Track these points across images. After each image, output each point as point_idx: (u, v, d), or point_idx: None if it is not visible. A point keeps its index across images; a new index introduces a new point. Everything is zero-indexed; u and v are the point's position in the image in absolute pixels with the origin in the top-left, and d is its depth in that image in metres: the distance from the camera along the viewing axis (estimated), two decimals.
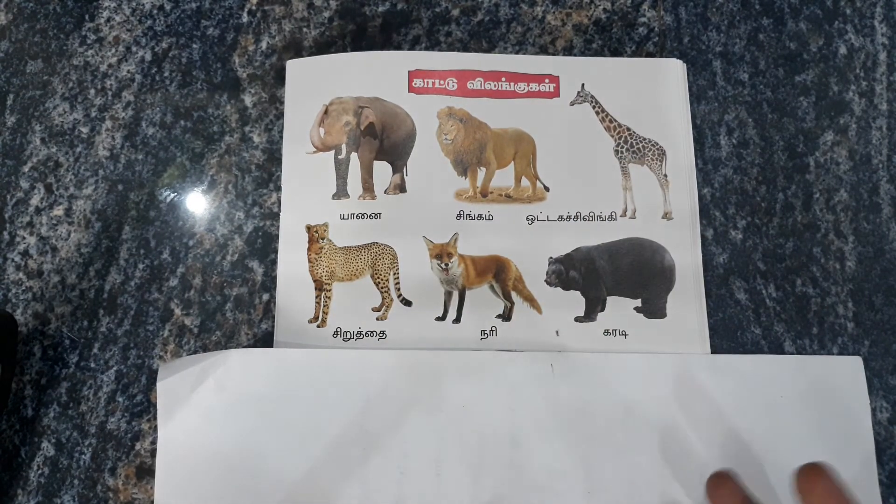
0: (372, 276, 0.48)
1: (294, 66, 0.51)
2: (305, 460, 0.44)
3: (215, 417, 0.45)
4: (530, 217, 0.49)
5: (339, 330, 0.47)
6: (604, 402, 0.45)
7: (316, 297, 0.48)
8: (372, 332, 0.47)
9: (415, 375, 0.46)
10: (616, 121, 0.50)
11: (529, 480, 0.44)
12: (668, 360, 0.46)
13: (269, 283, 0.48)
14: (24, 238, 0.49)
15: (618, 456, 0.45)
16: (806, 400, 0.46)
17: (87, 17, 0.52)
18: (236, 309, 0.48)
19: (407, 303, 0.48)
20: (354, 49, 0.52)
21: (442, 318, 0.48)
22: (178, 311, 0.48)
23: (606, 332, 0.48)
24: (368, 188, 0.49)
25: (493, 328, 0.48)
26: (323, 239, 0.48)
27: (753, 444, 0.45)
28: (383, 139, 0.50)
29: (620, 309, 0.48)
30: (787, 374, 0.46)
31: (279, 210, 0.49)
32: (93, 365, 0.47)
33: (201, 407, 0.45)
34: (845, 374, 0.46)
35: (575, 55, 0.52)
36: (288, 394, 0.45)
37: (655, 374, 0.46)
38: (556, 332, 0.47)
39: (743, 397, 0.46)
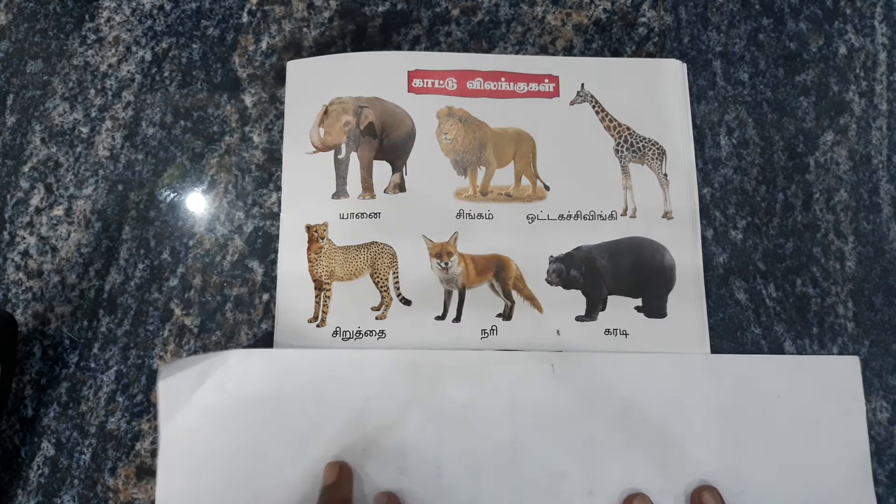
0: (371, 276, 0.48)
1: (294, 67, 0.51)
2: (305, 460, 0.44)
3: (216, 418, 0.45)
4: (530, 216, 0.49)
5: (338, 329, 0.47)
6: (604, 402, 0.45)
7: (315, 297, 0.48)
8: (371, 331, 0.47)
9: (415, 375, 0.46)
10: (616, 120, 0.50)
11: (529, 480, 0.44)
12: (668, 360, 0.46)
13: (269, 282, 0.48)
14: (24, 238, 0.49)
15: (618, 456, 0.45)
16: (802, 399, 0.46)
17: (87, 17, 0.52)
18: (236, 309, 0.48)
19: (406, 302, 0.48)
20: (354, 49, 0.52)
21: (442, 318, 0.48)
22: (178, 311, 0.48)
23: (607, 331, 0.48)
24: (368, 188, 0.49)
25: (494, 327, 0.48)
26: (322, 238, 0.48)
27: (751, 444, 0.45)
28: (383, 139, 0.50)
29: (621, 308, 0.48)
30: (784, 373, 0.46)
31: (279, 210, 0.49)
32: (93, 365, 0.47)
33: (202, 407, 0.45)
34: (842, 373, 0.47)
35: (575, 55, 0.52)
36: (288, 394, 0.45)
37: (655, 374, 0.46)
38: (557, 331, 0.47)
39: (741, 397, 0.46)
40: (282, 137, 0.50)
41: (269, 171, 0.50)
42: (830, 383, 0.46)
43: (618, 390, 0.46)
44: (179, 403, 0.45)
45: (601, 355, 0.46)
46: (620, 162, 0.50)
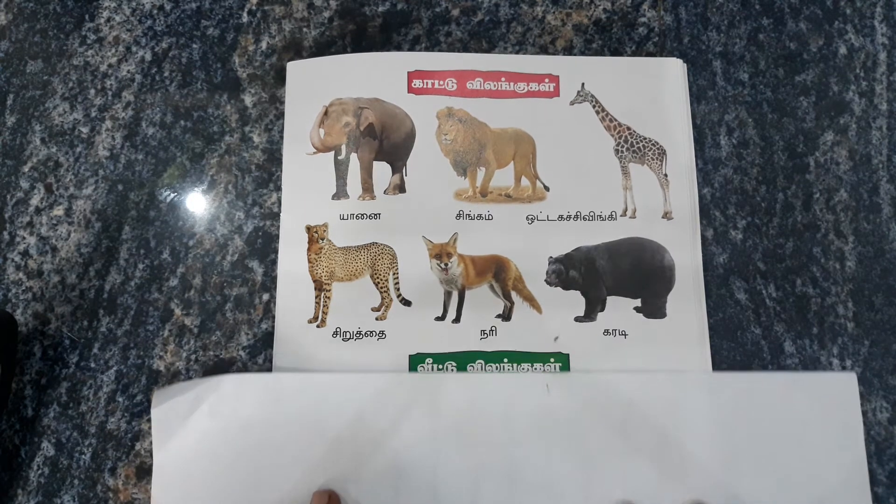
0: (371, 276, 0.48)
1: (294, 68, 0.51)
2: (301, 484, 0.44)
3: (210, 443, 0.44)
4: (530, 217, 0.49)
5: (338, 330, 0.47)
6: (600, 421, 0.45)
7: (316, 297, 0.48)
8: (371, 332, 0.47)
9: (409, 397, 0.45)
10: (616, 120, 0.50)
11: (526, 499, 0.44)
12: (664, 378, 0.46)
13: (269, 283, 0.48)
14: (24, 238, 0.49)
15: (615, 474, 0.44)
16: (800, 416, 0.45)
17: (87, 17, 0.52)
18: (236, 309, 0.48)
19: (406, 303, 0.48)
20: (354, 49, 0.52)
21: (441, 318, 0.48)
22: (178, 311, 0.48)
23: (606, 331, 0.48)
24: (368, 188, 0.49)
25: (493, 328, 0.48)
26: (323, 239, 0.48)
27: (748, 461, 0.45)
28: (383, 140, 0.50)
29: (620, 309, 0.48)
30: (781, 390, 0.46)
31: (279, 210, 0.49)
32: (93, 365, 0.47)
33: (196, 433, 0.44)
34: (839, 390, 0.46)
35: (575, 55, 0.52)
36: (282, 418, 0.45)
37: (651, 393, 0.46)
38: (555, 338, 0.47)
39: (738, 414, 0.45)
40: (282, 137, 0.50)
41: (270, 171, 0.50)
42: (828, 400, 0.46)
43: (614, 409, 0.45)
44: (173, 429, 0.44)
45: (597, 375, 0.46)
46: (620, 162, 0.50)
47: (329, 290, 0.48)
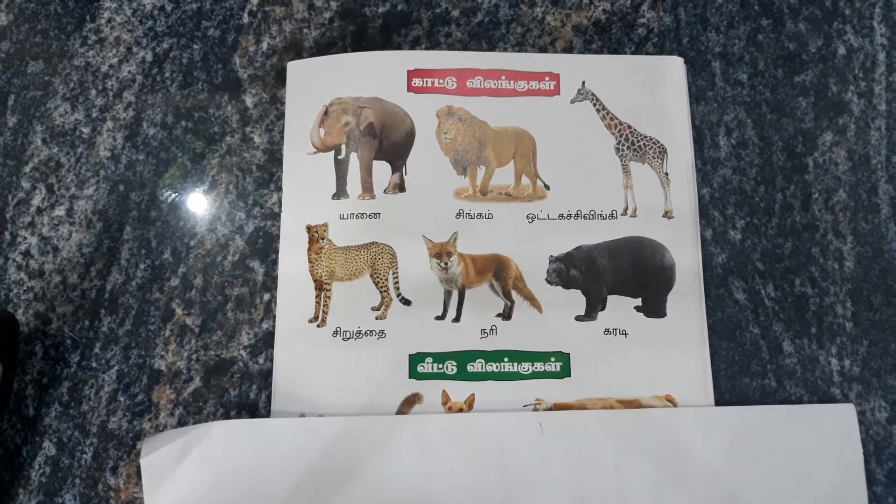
0: (371, 276, 0.48)
1: (294, 68, 0.51)
2: None
3: (201, 490, 0.44)
4: (530, 215, 0.49)
5: (338, 329, 0.47)
6: (595, 460, 0.45)
7: (316, 297, 0.48)
8: (371, 331, 0.47)
9: (401, 440, 0.45)
10: (617, 118, 0.51)
11: None
12: (661, 415, 0.46)
13: (270, 282, 0.48)
14: (25, 238, 0.49)
15: None
16: (798, 450, 0.45)
17: (88, 17, 0.53)
18: (237, 309, 0.48)
19: (406, 302, 0.48)
20: (355, 50, 0.52)
21: (441, 318, 0.48)
22: (179, 311, 0.48)
23: (607, 331, 0.48)
24: (368, 188, 0.50)
25: (493, 327, 0.48)
26: (323, 239, 0.48)
27: (748, 498, 0.44)
28: (382, 139, 0.50)
29: (621, 308, 0.48)
30: (779, 424, 0.45)
31: (280, 210, 0.49)
32: (94, 364, 0.47)
33: (187, 481, 0.44)
34: (838, 422, 0.46)
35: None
36: (272, 463, 0.44)
37: (647, 429, 0.45)
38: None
39: (738, 451, 0.45)
40: (282, 138, 0.50)
41: (270, 171, 0.50)
42: (826, 433, 0.46)
43: (609, 447, 0.45)
44: (163, 478, 0.44)
45: (591, 413, 0.46)
46: (621, 161, 0.50)
47: (329, 290, 0.48)
